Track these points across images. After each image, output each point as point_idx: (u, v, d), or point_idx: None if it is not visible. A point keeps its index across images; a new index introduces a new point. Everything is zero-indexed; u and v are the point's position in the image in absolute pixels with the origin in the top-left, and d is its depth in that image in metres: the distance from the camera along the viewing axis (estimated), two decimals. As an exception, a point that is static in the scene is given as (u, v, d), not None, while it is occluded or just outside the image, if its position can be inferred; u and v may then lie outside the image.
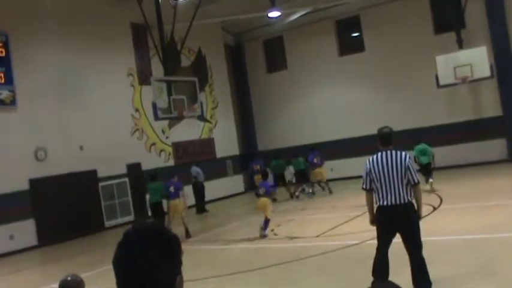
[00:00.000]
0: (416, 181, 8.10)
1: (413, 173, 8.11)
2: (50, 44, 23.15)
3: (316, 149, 25.38)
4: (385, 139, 8.45)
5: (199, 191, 26.18)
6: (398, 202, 8.05)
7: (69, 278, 4.88)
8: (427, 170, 21.07)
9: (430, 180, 20.74)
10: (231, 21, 31.82)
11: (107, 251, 18.30)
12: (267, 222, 16.33)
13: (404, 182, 8.05)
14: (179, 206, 18.58)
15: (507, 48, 27.31)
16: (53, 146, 22.61)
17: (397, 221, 8.15)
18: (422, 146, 21.45)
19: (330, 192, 24.72)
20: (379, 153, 8.32)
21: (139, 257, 2.07)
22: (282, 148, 31.85)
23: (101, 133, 24.47)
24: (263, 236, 16.16)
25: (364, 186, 8.52)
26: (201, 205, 26.04)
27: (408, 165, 8.10)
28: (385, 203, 8.15)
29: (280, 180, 26.45)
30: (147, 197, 20.94)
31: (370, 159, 8.36)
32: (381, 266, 8.51)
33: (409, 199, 8.10)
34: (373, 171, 8.26)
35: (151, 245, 2.10)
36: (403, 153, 8.26)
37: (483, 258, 10.37)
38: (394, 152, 8.24)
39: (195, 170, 26.51)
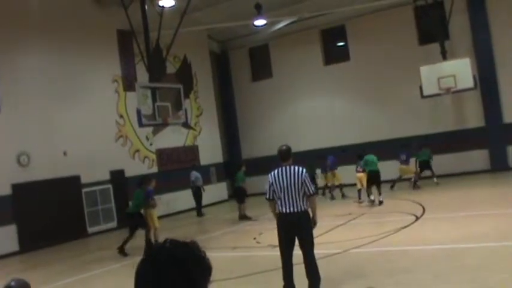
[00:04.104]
0: (311, 192, 9.37)
1: (308, 185, 9.29)
2: (34, 49, 23.07)
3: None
4: (283, 156, 9.60)
5: (199, 195, 26.73)
6: (295, 210, 9.25)
7: (12, 283, 4.69)
8: (376, 179, 21.44)
9: (380, 199, 21.17)
10: (217, 29, 31.87)
11: (88, 258, 18.28)
12: None
13: (301, 193, 9.25)
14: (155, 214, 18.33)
15: (490, 60, 27.57)
16: (36, 151, 22.46)
17: (293, 226, 9.33)
18: (369, 156, 21.79)
19: None
20: (280, 168, 9.45)
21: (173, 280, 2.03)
22: (266, 156, 31.86)
23: (84, 139, 24.36)
24: None
25: (267, 197, 9.64)
26: (197, 208, 26.64)
27: (304, 179, 9.27)
28: (284, 210, 9.33)
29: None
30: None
31: (272, 174, 9.48)
32: (285, 270, 9.56)
33: (305, 208, 9.31)
34: (274, 183, 9.40)
35: (187, 271, 2.06)
36: (300, 168, 9.41)
37: (464, 268, 10.43)
38: (292, 167, 9.38)
39: (194, 174, 26.83)
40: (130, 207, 18.55)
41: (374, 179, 21.41)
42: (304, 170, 9.39)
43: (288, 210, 9.28)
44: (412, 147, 25.42)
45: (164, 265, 2.04)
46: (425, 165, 25.07)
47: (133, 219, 17.80)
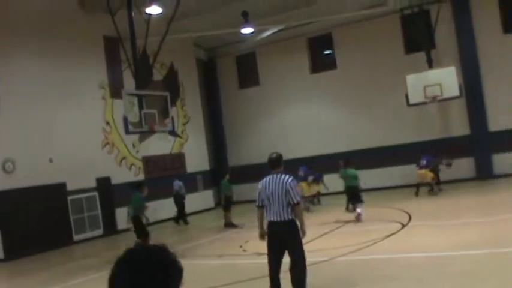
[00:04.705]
0: (295, 201, 9.19)
1: (292, 194, 9.18)
2: (20, 55, 22.92)
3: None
4: (272, 164, 9.65)
5: (181, 204, 26.52)
6: (280, 219, 9.22)
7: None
8: (352, 195, 20.36)
9: (358, 210, 19.46)
10: (204, 37, 31.84)
11: (74, 266, 18.18)
12: None
13: (286, 202, 9.17)
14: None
15: (476, 69, 27.80)
16: (21, 158, 22.30)
17: (277, 235, 9.33)
18: (350, 171, 20.60)
19: None
20: (269, 176, 9.50)
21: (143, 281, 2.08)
22: (253, 164, 31.87)
23: (70, 146, 24.24)
24: None
25: (257, 204, 9.64)
26: (181, 217, 26.45)
27: (288, 188, 9.19)
28: (270, 218, 9.36)
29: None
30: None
31: (262, 181, 9.52)
32: (271, 279, 9.53)
33: (290, 217, 9.23)
34: (263, 191, 9.42)
35: (156, 271, 2.11)
36: (287, 176, 9.37)
37: (450, 276, 10.46)
38: (279, 175, 9.39)
39: (178, 183, 26.67)
40: (131, 212, 18.34)
41: (350, 196, 20.57)
42: (290, 179, 9.34)
43: (272, 219, 9.32)
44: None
45: (138, 267, 2.11)
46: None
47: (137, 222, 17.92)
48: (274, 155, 9.73)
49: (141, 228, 17.90)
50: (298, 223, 9.37)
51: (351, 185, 20.27)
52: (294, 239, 9.32)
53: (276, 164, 9.60)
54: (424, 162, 24.18)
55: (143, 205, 17.96)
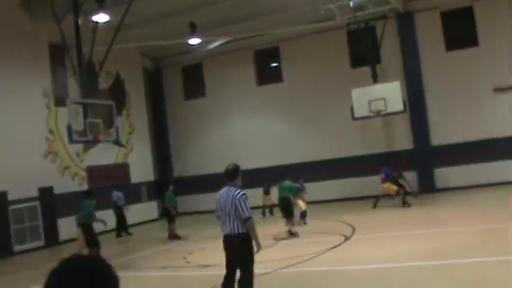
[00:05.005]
0: (244, 216, 9.05)
1: (240, 208, 9.02)
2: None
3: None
4: (227, 175, 9.46)
5: (120, 215, 26.08)
6: (230, 232, 9.17)
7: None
8: (283, 208, 19.59)
9: (289, 225, 19.11)
10: (151, 46, 31.72)
11: (13, 278, 17.76)
12: None
13: (234, 215, 9.08)
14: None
15: (419, 84, 28.43)
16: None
17: (227, 247, 9.30)
18: (285, 183, 20.01)
19: None
20: (225, 187, 9.40)
21: None
22: (198, 175, 31.81)
23: (12, 154, 23.68)
24: None
25: (215, 214, 9.63)
26: (122, 228, 26.09)
27: (236, 202, 9.05)
28: (223, 231, 9.33)
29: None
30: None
31: (219, 191, 9.45)
32: None
33: (240, 231, 9.12)
34: (218, 202, 9.37)
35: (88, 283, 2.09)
36: (238, 190, 9.22)
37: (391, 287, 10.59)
38: (232, 188, 9.26)
39: (116, 194, 26.24)
40: (81, 219, 17.89)
41: (281, 208, 19.79)
42: (239, 194, 9.13)
43: (224, 232, 9.29)
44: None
45: (70, 278, 2.10)
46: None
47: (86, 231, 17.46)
48: (231, 166, 9.54)
49: (91, 237, 17.59)
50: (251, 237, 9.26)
51: (281, 196, 19.69)
52: (241, 254, 9.24)
53: (231, 175, 9.43)
54: (383, 176, 24.27)
55: (93, 213, 17.73)
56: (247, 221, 9.10)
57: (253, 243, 9.28)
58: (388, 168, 24.53)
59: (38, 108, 25.76)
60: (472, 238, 14.68)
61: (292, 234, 18.74)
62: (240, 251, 9.21)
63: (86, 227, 17.68)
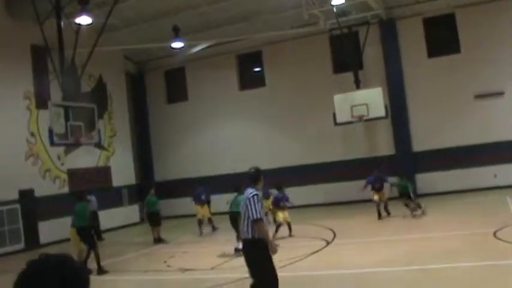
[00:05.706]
0: (253, 217, 8.46)
1: (250, 209, 8.51)
2: None
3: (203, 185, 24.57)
4: (249, 178, 9.06)
5: (94, 219, 25.54)
6: (243, 237, 8.80)
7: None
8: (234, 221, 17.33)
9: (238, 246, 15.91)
10: (134, 50, 31.64)
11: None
12: None
13: (247, 217, 8.56)
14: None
15: (401, 90, 28.63)
16: None
17: (243, 254, 8.94)
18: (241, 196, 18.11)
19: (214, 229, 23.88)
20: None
21: None
22: (180, 179, 31.75)
23: (-8, 157, 23.57)
24: None
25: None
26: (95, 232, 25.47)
27: (247, 203, 8.59)
28: (241, 236, 8.97)
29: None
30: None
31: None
32: None
33: (251, 236, 8.57)
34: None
35: (51, 282, 2.10)
36: (250, 190, 8.79)
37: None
38: (250, 190, 8.79)
39: (89, 198, 25.92)
40: (76, 222, 17.03)
41: (231, 222, 17.62)
42: (253, 193, 8.68)
43: (242, 237, 9.02)
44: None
45: (37, 279, 2.12)
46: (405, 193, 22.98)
47: (85, 234, 16.84)
48: (253, 169, 9.13)
49: (90, 238, 17.02)
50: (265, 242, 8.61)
51: (234, 210, 17.04)
52: (252, 260, 8.72)
53: (253, 178, 9.04)
54: (377, 185, 22.83)
55: (88, 214, 17.37)
56: (255, 222, 8.49)
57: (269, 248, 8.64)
58: (375, 177, 23.17)
59: (20, 111, 25.57)
60: (452, 243, 14.76)
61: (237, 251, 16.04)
62: (251, 259, 8.74)
63: (84, 229, 17.10)
